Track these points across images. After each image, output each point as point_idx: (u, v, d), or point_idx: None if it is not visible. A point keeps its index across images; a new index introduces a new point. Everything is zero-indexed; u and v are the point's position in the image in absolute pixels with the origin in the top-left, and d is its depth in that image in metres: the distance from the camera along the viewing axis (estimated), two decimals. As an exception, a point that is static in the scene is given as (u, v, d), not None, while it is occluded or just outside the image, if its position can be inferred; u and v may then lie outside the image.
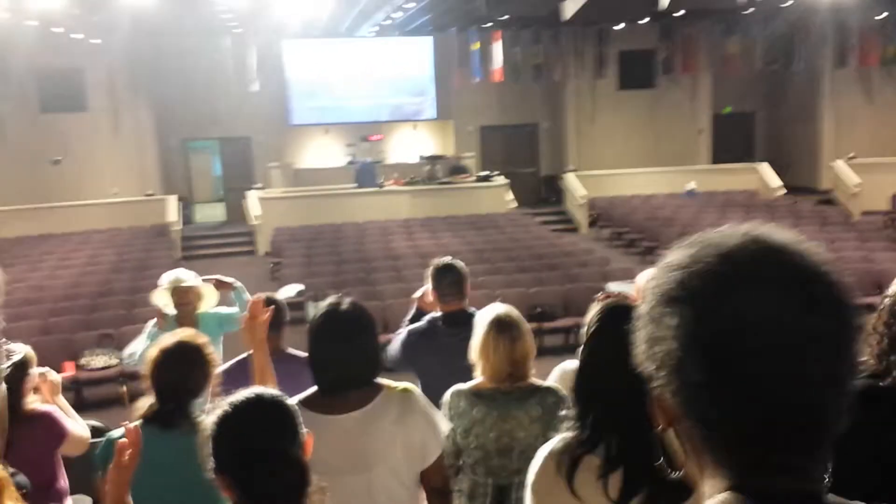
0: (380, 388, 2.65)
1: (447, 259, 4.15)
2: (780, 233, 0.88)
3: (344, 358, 2.62)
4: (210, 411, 1.85)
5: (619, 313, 1.95)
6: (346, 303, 2.72)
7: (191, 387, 2.73)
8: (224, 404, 1.82)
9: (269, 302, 3.73)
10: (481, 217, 16.55)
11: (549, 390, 3.04)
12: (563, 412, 2.13)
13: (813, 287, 0.83)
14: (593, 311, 2.04)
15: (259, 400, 1.82)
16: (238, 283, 4.95)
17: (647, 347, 0.88)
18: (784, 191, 18.75)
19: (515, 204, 18.33)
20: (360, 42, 20.32)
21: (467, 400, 3.07)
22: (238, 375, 2.98)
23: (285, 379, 3.20)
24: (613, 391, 1.87)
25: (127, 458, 2.31)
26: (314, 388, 2.66)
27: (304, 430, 1.84)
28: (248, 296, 4.59)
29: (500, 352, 3.02)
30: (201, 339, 2.91)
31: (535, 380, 3.10)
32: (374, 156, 20.24)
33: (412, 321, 4.20)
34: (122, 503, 2.33)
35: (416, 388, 2.75)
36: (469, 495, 3.05)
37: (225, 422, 1.78)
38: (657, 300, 0.87)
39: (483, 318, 3.11)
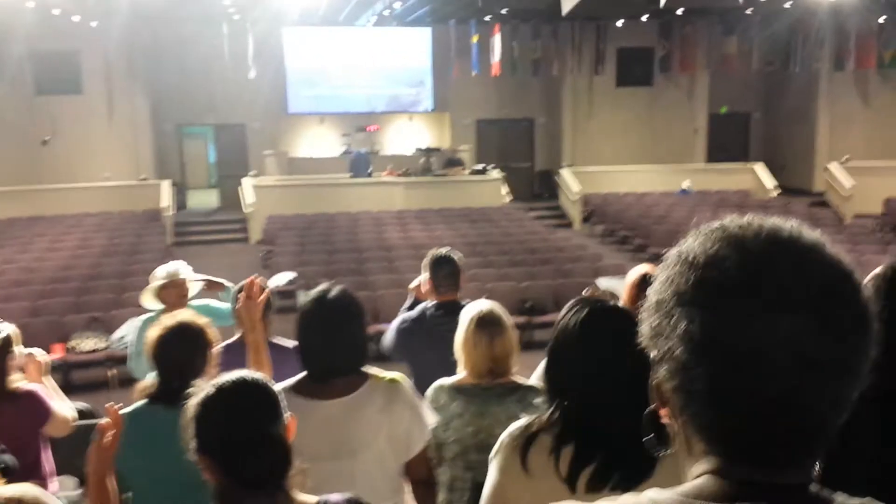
0: (367, 376, 2.67)
1: (445, 250, 4.17)
2: (806, 235, 0.84)
3: (331, 345, 2.64)
4: (193, 394, 1.86)
5: (588, 305, 2.01)
6: (335, 290, 2.72)
7: (195, 366, 2.74)
8: (208, 387, 1.83)
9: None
10: (475, 210, 16.55)
11: (529, 389, 3.04)
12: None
13: (835, 305, 0.79)
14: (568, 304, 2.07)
15: (243, 383, 1.84)
16: (229, 284, 4.79)
17: (652, 335, 0.86)
18: (778, 192, 18.80)
19: (510, 198, 18.34)
20: (359, 32, 20.27)
21: (448, 394, 3.08)
22: (230, 359, 2.98)
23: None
24: (576, 382, 1.92)
25: (109, 438, 2.32)
26: (302, 374, 2.67)
27: (287, 413, 1.87)
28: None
29: (480, 348, 3.03)
30: (202, 320, 2.92)
31: (517, 377, 3.11)
32: (369, 146, 20.23)
33: (409, 310, 4.22)
34: (103, 482, 2.34)
35: (403, 379, 2.76)
36: (449, 488, 3.06)
37: (209, 404, 1.80)
38: (669, 295, 0.84)
39: (466, 314, 3.12)
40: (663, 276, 0.86)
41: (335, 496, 1.88)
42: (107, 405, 2.45)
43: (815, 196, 19.17)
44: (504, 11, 18.68)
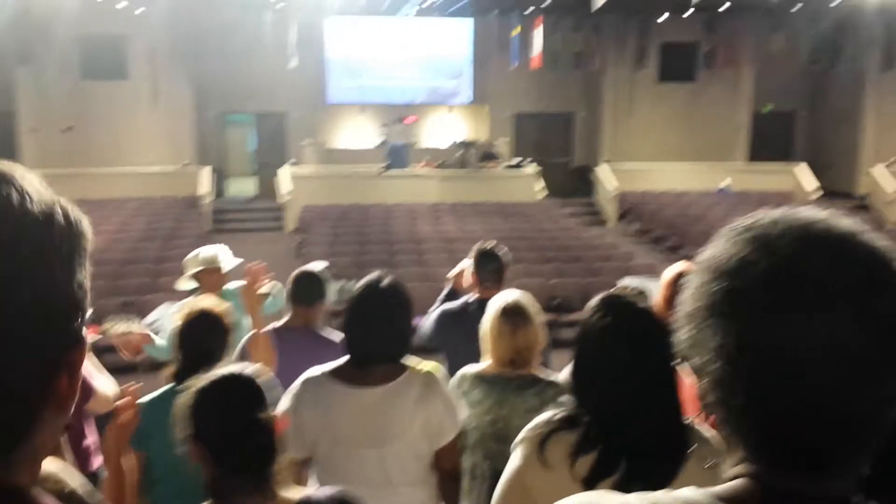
0: (405, 366, 2.73)
1: (492, 244, 4.22)
2: (839, 225, 0.80)
3: (376, 333, 2.71)
4: (187, 387, 1.99)
5: (615, 307, 2.01)
6: (387, 279, 2.81)
7: (215, 351, 2.84)
8: (202, 379, 1.96)
9: (303, 276, 3.82)
10: (510, 205, 16.52)
11: (550, 384, 3.07)
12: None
13: (873, 296, 0.76)
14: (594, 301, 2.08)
15: (231, 377, 1.96)
16: (273, 288, 4.49)
17: (689, 346, 0.85)
18: (820, 194, 18.45)
19: (546, 193, 18.26)
20: (400, 21, 20.25)
21: (470, 382, 3.14)
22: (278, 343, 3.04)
23: (297, 354, 3.28)
24: (602, 380, 1.94)
25: (125, 419, 2.42)
26: (344, 360, 2.75)
27: (276, 408, 2.00)
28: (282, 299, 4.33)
29: (504, 338, 3.07)
30: (222, 306, 3.00)
31: (540, 371, 3.13)
32: (407, 138, 20.27)
33: (447, 299, 4.26)
34: (118, 461, 2.43)
35: (441, 370, 2.83)
36: (470, 475, 3.11)
37: (201, 395, 1.94)
38: (700, 307, 0.83)
39: (494, 303, 3.15)
40: (694, 284, 0.85)
41: (324, 490, 1.93)
42: (124, 386, 2.54)
43: (856, 199, 18.78)
44: (546, 4, 18.55)
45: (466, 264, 4.21)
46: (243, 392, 1.93)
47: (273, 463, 1.89)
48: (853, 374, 0.76)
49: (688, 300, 0.85)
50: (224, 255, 4.66)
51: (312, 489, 2.00)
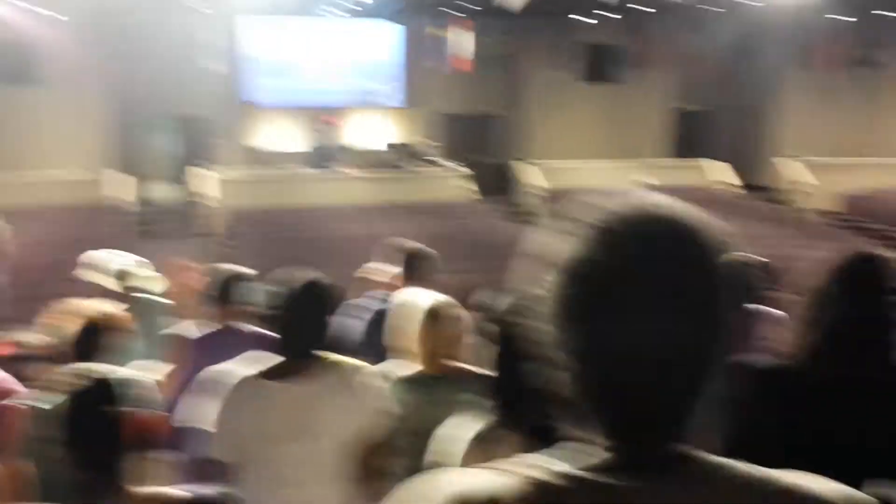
0: (332, 362, 2.75)
1: (416, 244, 4.23)
2: (680, 218, 0.91)
3: (307, 330, 2.74)
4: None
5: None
6: (315, 278, 2.82)
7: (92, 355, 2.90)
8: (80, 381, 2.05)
9: (220, 276, 3.79)
10: (439, 205, 16.55)
11: (476, 377, 3.07)
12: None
13: (681, 289, 0.88)
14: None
15: (81, 376, 2.05)
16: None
17: (548, 345, 0.94)
18: (740, 188, 19.02)
19: (476, 193, 18.35)
20: (325, 23, 20.09)
21: (398, 382, 3.11)
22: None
23: (223, 354, 3.25)
24: (515, 375, 1.96)
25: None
26: (271, 357, 2.75)
27: (135, 407, 2.05)
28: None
29: (429, 336, 3.06)
30: (111, 309, 3.00)
31: (466, 366, 3.13)
32: (334, 140, 20.14)
33: (367, 300, 4.25)
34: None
35: (367, 367, 2.85)
36: (396, 475, 3.08)
37: (66, 398, 2.02)
38: (554, 308, 0.91)
39: (416, 302, 3.14)
40: (547, 284, 0.93)
41: (201, 490, 1.99)
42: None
43: (774, 192, 19.42)
44: (473, 6, 18.64)
45: (389, 266, 4.22)
46: (90, 390, 2.00)
47: (122, 460, 1.93)
48: (666, 357, 0.88)
49: (542, 301, 0.93)
50: (125, 261, 4.73)
51: (179, 488, 2.08)
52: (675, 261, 0.89)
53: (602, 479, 0.89)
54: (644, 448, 0.92)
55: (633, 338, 0.87)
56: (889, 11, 17.49)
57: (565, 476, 0.89)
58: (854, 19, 18.15)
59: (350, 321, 4.16)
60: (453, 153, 20.19)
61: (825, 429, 1.81)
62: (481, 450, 1.98)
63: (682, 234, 0.90)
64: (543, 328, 0.93)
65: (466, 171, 18.37)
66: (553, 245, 0.93)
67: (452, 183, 18.03)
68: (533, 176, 18.95)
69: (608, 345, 0.88)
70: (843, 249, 2.13)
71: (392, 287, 4.14)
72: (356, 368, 2.79)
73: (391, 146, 19.17)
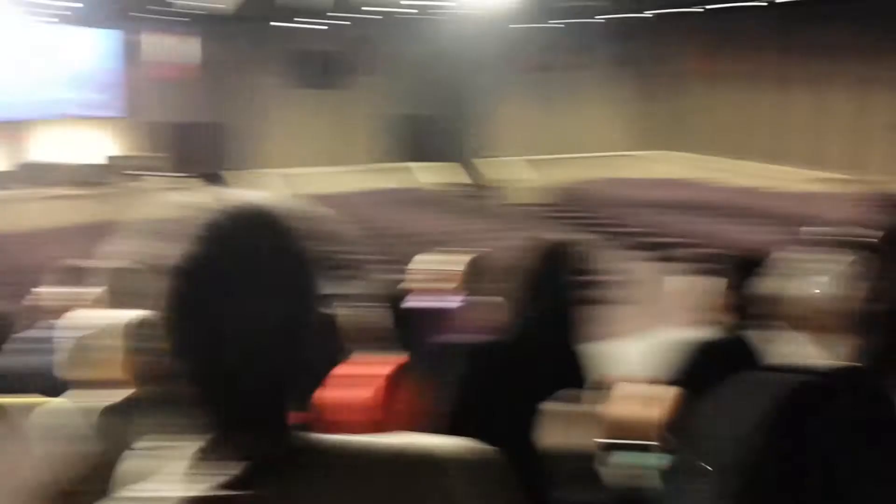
0: None
1: (126, 262, 3.94)
2: (257, 211, 0.98)
3: None
4: None
5: None
6: None
7: None
8: None
9: None
10: (155, 221, 15.68)
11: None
12: None
13: (278, 276, 0.95)
14: None
15: None
16: None
17: (171, 344, 0.97)
18: (455, 187, 20.17)
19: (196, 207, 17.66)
20: (28, 30, 18.07)
21: (99, 413, 2.90)
22: None
23: None
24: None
25: None
26: None
27: None
28: None
29: (132, 356, 2.89)
30: None
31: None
32: (32, 155, 18.31)
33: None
34: None
35: (49, 403, 2.58)
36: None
37: None
38: (173, 308, 0.96)
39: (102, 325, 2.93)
40: (164, 288, 0.97)
41: None
42: None
43: (488, 189, 20.68)
44: (186, 14, 17.94)
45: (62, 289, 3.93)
46: None
47: None
48: (276, 343, 0.94)
49: (161, 303, 0.97)
50: None
51: None
52: (262, 250, 0.95)
53: (228, 493, 0.90)
54: (263, 441, 0.93)
55: (229, 325, 0.92)
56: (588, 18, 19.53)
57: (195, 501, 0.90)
58: (562, 25, 20.03)
59: (25, 357, 3.76)
60: (170, 164, 19.27)
61: (526, 388, 2.15)
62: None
63: (266, 226, 0.97)
64: (164, 334, 0.96)
65: (182, 182, 17.60)
66: (157, 251, 0.99)
67: (168, 197, 17.17)
68: (253, 184, 18.65)
69: (210, 337, 0.92)
70: (538, 239, 2.44)
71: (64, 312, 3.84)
72: (27, 408, 2.55)
73: (99, 159, 17.83)
